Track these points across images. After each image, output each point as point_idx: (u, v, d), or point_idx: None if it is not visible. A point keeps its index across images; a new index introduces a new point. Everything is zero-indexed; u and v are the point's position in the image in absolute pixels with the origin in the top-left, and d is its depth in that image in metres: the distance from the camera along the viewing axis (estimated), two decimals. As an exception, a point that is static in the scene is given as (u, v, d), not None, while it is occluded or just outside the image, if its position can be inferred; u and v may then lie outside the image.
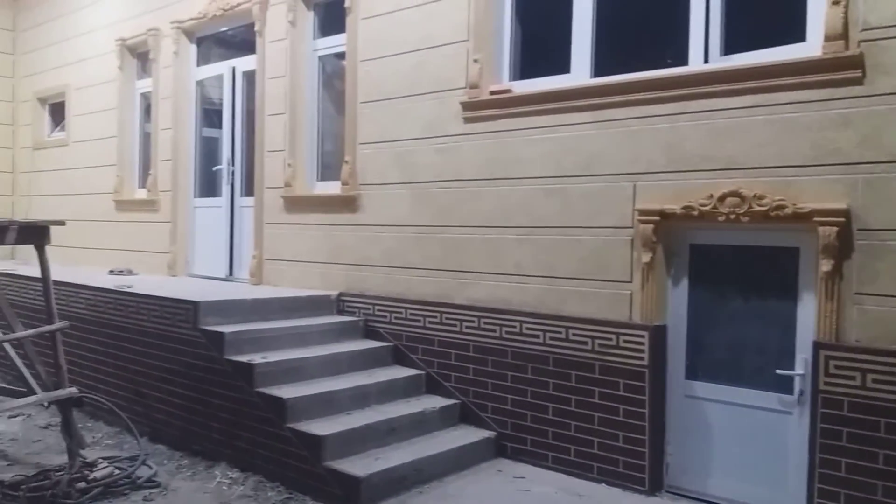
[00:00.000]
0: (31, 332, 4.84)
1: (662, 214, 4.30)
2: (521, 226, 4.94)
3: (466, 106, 5.22)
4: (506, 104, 5.05)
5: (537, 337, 4.80)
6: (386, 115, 5.75)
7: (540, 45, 5.34)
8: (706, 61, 4.32)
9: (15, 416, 5.78)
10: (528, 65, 5.30)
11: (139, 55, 8.35)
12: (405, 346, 5.54)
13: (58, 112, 9.64)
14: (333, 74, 6.58)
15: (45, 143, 9.74)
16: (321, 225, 6.24)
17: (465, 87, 5.23)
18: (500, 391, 4.99)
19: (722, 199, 4.06)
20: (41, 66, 9.69)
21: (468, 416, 5.14)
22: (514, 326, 4.91)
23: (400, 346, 5.57)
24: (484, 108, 5.15)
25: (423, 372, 5.38)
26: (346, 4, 5.96)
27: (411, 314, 5.53)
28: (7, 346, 5.17)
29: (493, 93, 5.14)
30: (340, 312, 5.95)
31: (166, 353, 5.34)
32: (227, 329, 4.99)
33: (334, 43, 6.31)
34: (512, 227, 4.99)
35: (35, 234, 4.85)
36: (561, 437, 4.70)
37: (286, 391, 4.63)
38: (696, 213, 4.17)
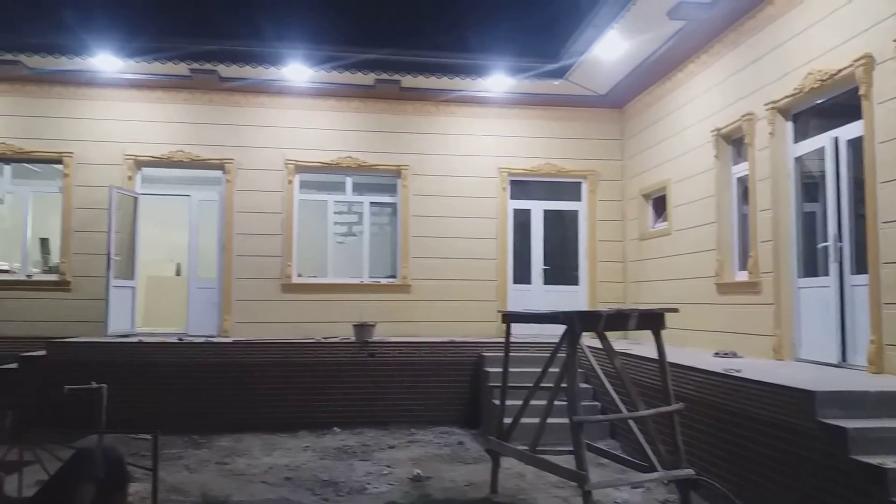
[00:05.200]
0: (651, 411, 5.27)
1: None
2: None
3: None
4: None
5: None
6: None
7: None
8: None
9: (637, 488, 6.30)
10: None
11: (733, 142, 8.61)
12: None
13: (659, 205, 10.64)
14: (967, 124, 5.51)
15: (649, 233, 10.81)
16: (962, 305, 5.16)
17: None
18: None
19: None
20: (644, 166, 10.91)
21: None
22: None
23: None
24: None
25: None
26: (983, 39, 4.97)
27: None
28: (630, 420, 5.75)
29: None
30: None
31: (777, 442, 5.10)
32: (848, 424, 4.48)
33: (967, 87, 5.31)
34: None
35: (652, 320, 5.34)
36: None
37: (933, 509, 3.85)
38: None
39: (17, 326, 10.26)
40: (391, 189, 11.63)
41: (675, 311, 5.43)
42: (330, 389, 9.41)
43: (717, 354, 7.76)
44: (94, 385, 7.08)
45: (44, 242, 11.77)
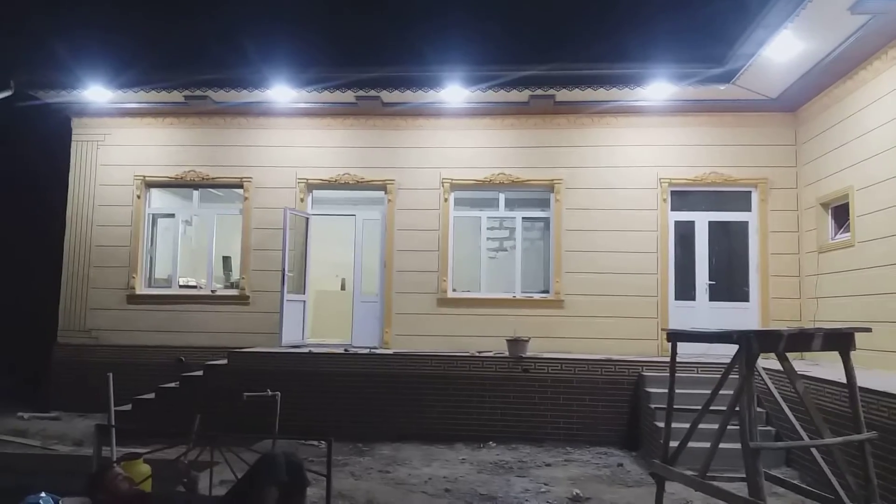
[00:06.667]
0: (839, 439, 4.80)
1: None
2: None
3: None
4: None
5: None
6: None
7: None
8: None
9: (822, 522, 5.76)
10: None
11: (929, 143, 7.75)
12: None
13: (840, 214, 9.75)
14: None
15: (828, 245, 9.94)
16: None
17: None
18: None
19: None
20: (822, 172, 10.06)
21: None
22: None
23: None
24: None
25: None
26: None
27: None
28: (812, 449, 5.27)
29: None
30: None
31: None
32: None
33: None
34: None
35: (840, 340, 4.87)
36: None
37: None
38: None
39: (202, 337, 11.28)
40: (543, 204, 11.57)
41: (868, 330, 4.92)
42: (485, 403, 9.47)
43: (914, 380, 6.96)
44: (270, 392, 7.59)
45: (226, 260, 12.87)
